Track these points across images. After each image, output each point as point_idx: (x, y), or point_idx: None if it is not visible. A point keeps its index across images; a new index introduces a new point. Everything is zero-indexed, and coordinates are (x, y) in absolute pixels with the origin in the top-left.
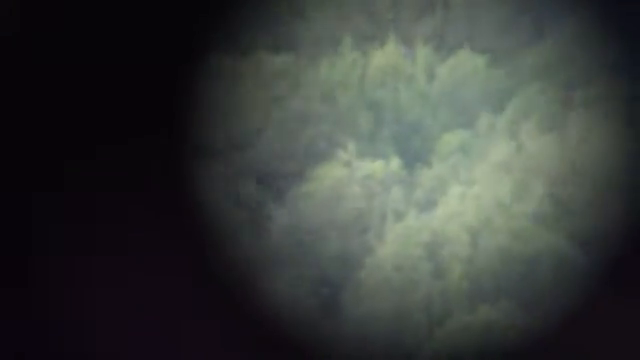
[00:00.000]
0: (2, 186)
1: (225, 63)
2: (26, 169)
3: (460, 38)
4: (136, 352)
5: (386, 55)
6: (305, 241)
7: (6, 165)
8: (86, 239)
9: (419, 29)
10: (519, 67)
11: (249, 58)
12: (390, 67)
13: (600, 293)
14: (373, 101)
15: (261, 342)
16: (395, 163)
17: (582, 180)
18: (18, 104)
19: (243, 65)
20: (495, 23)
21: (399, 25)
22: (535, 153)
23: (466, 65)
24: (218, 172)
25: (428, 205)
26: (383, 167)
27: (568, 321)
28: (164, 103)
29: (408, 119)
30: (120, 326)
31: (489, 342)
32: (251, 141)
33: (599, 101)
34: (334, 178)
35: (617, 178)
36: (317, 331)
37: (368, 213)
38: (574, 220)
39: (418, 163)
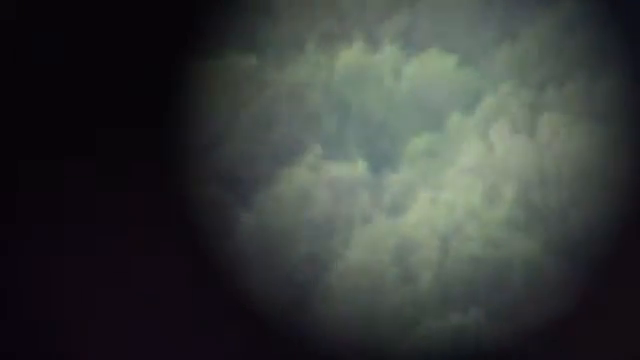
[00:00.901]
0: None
1: (191, 65)
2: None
3: (428, 37)
4: (108, 345)
5: (352, 55)
6: (272, 244)
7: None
8: (54, 238)
9: (386, 28)
10: (490, 67)
11: (215, 60)
12: (356, 67)
13: (573, 300)
14: (339, 102)
15: (232, 340)
16: (362, 166)
17: (555, 184)
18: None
19: (209, 67)
20: (464, 22)
21: (365, 24)
22: (506, 155)
23: (435, 65)
24: (184, 176)
25: (396, 210)
26: (350, 170)
27: (539, 329)
28: (131, 105)
29: (375, 121)
30: (90, 323)
31: (459, 350)
32: (217, 144)
33: (573, 101)
34: (301, 181)
35: (591, 181)
36: (286, 333)
37: (335, 217)
38: (547, 225)
39: (385, 166)
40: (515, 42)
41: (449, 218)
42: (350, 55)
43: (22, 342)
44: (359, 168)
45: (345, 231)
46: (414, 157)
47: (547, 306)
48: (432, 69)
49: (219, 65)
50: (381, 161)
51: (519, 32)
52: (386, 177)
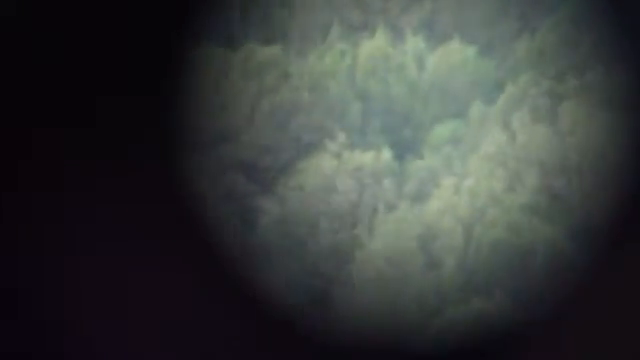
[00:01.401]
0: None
1: (213, 54)
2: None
3: (450, 28)
4: (118, 347)
5: (376, 45)
6: (295, 234)
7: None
8: (58, 237)
9: (408, 19)
10: (509, 58)
11: (237, 49)
12: (380, 57)
13: (594, 286)
14: (363, 91)
15: (253, 336)
16: (386, 154)
17: (576, 171)
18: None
19: (231, 56)
20: (485, 13)
21: (388, 15)
22: (527, 143)
23: (456, 55)
24: (206, 165)
25: (420, 197)
26: (374, 158)
27: (561, 314)
28: (151, 95)
29: (398, 109)
30: (103, 324)
31: (483, 334)
32: (239, 133)
33: (593, 90)
34: (324, 170)
35: (612, 168)
36: (309, 325)
37: (359, 205)
38: (569, 212)
39: (409, 154)
40: (535, 33)
41: (472, 205)
42: (373, 45)
43: (21, 342)
44: (383, 156)
45: (369, 220)
46: (437, 145)
47: (568, 291)
48: (454, 59)
49: (242, 54)
50: (405, 149)
51: (539, 24)
52: (410, 164)
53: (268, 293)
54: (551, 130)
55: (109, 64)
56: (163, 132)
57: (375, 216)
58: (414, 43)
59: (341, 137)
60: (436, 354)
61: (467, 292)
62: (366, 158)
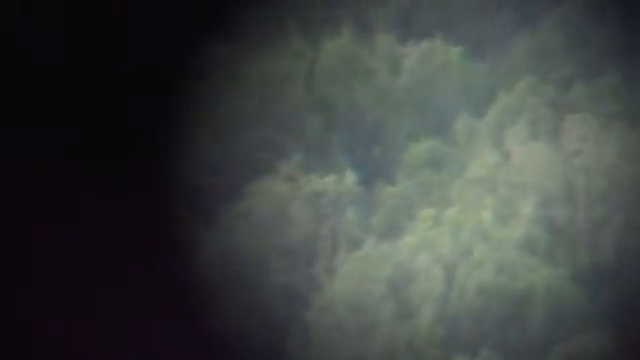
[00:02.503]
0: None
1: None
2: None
3: (430, 24)
4: None
5: (341, 44)
6: (241, 273)
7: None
8: None
9: (380, 12)
10: (505, 59)
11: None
12: (345, 59)
13: (604, 338)
14: (323, 100)
15: None
16: (350, 178)
17: (582, 199)
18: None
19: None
20: (474, 5)
21: (355, 7)
22: (524, 165)
23: (439, 57)
24: (140, 186)
25: (391, 231)
26: (335, 183)
27: None
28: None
29: (367, 123)
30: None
31: None
32: (177, 149)
33: (605, 100)
34: (276, 195)
35: (626, 195)
36: None
37: (317, 240)
38: (573, 249)
39: (378, 179)
40: (535, 29)
41: (455, 240)
42: (336, 44)
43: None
44: (347, 180)
45: (329, 257)
46: (413, 167)
47: (574, 346)
48: (435, 62)
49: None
50: (373, 172)
51: (540, 17)
52: (379, 191)
53: (210, 343)
54: (553, 149)
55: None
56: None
57: (336, 253)
58: (386, 42)
59: (296, 156)
60: None
61: (447, 349)
62: (326, 183)
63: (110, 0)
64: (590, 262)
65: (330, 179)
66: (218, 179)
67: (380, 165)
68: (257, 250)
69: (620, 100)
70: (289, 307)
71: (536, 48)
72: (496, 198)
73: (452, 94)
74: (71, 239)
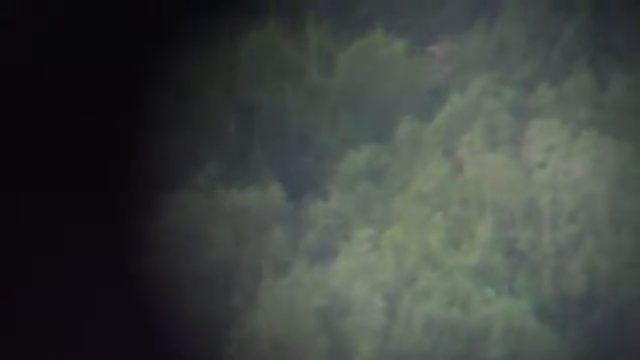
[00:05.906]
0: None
1: None
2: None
3: (371, 13)
4: None
5: (264, 36)
6: (149, 303)
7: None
8: None
9: (311, 1)
10: (456, 54)
11: None
12: (269, 53)
13: None
14: (245, 102)
15: None
16: (276, 192)
17: (549, 219)
18: None
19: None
20: None
21: None
22: (479, 178)
23: (380, 52)
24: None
25: (324, 254)
26: (259, 198)
27: None
28: None
29: (295, 129)
30: None
31: None
32: (78, 157)
33: (575, 103)
34: (189, 212)
35: (601, 214)
36: None
37: (238, 264)
38: (535, 277)
39: (309, 194)
40: (493, 21)
41: (398, 266)
42: (260, 37)
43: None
44: (272, 194)
45: (251, 285)
46: (350, 179)
47: None
48: (375, 57)
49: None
50: (303, 186)
51: (500, 7)
52: (310, 208)
53: None
54: (513, 161)
55: None
56: None
57: (259, 279)
58: (318, 34)
59: (213, 167)
60: None
61: None
62: (248, 197)
63: None
64: (556, 293)
65: (253, 193)
66: (125, 194)
67: (311, 177)
68: (169, 275)
69: (591, 105)
70: (205, 342)
71: (494, 41)
72: (446, 217)
73: (395, 94)
74: None
